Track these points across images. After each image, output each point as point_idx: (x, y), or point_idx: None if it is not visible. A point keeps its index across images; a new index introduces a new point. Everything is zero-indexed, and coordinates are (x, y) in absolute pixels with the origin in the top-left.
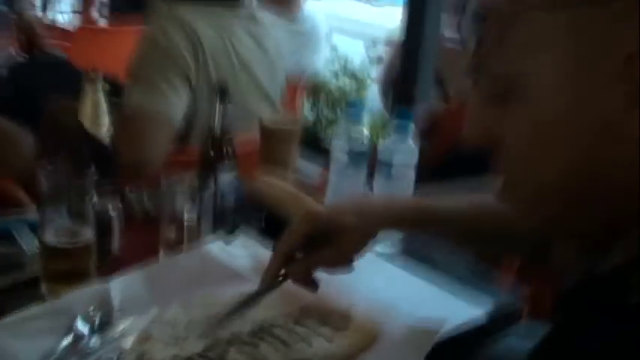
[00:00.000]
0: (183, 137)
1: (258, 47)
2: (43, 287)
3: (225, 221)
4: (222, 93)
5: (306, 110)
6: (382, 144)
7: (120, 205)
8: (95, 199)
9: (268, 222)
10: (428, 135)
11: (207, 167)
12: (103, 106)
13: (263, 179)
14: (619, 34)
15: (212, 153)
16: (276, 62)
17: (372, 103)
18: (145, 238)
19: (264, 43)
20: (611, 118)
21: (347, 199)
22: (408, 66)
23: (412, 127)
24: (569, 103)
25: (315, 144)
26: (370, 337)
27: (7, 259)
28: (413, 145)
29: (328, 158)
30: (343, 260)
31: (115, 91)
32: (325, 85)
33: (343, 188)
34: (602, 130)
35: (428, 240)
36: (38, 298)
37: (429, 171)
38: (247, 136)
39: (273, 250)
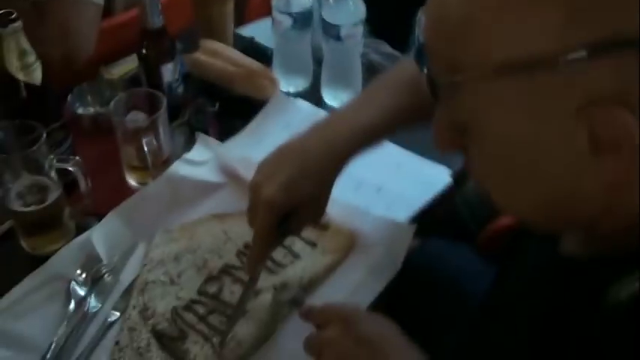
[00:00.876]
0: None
1: None
2: (23, 243)
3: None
4: None
5: None
6: (326, 3)
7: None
8: (53, 157)
9: (223, 104)
10: None
11: (151, 69)
12: (28, 49)
13: (204, 50)
14: (582, 81)
15: (150, 52)
16: None
17: None
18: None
19: None
20: (577, 160)
21: (281, 164)
22: None
23: None
24: (526, 158)
25: None
26: (349, 240)
27: None
28: (359, 1)
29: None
30: (318, 218)
31: None
32: None
33: (289, 53)
34: (568, 171)
35: None
36: (19, 251)
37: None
38: None
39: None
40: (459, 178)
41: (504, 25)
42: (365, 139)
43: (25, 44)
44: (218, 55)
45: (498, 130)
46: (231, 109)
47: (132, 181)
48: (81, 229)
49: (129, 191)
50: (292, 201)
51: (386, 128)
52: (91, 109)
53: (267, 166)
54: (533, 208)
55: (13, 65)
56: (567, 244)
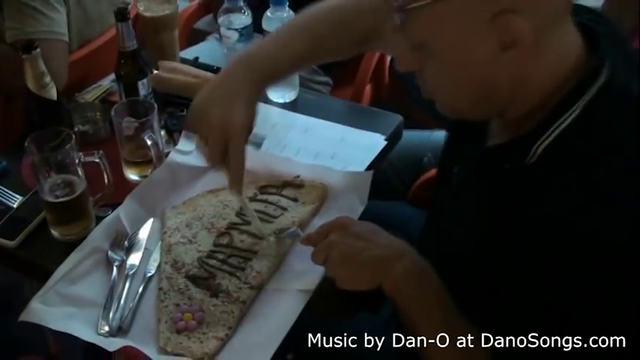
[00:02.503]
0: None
1: None
2: (54, 233)
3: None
4: (120, 13)
5: None
6: (265, 16)
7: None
8: (80, 155)
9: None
10: None
11: (129, 85)
12: (45, 71)
13: (163, 68)
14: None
15: (127, 70)
16: None
17: None
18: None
19: None
20: (491, 58)
21: (231, 96)
22: None
23: None
24: (460, 59)
25: None
26: (323, 191)
27: (6, 217)
28: (291, 12)
29: None
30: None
31: None
32: None
33: None
34: (486, 68)
35: None
36: (54, 242)
37: None
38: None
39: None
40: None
41: None
42: (272, 76)
43: (43, 67)
44: (177, 71)
45: (444, 42)
46: None
47: (132, 176)
48: (99, 218)
49: (130, 184)
50: (249, 128)
51: (294, 64)
52: (75, 129)
53: (218, 104)
54: (467, 101)
55: (33, 84)
56: (492, 138)
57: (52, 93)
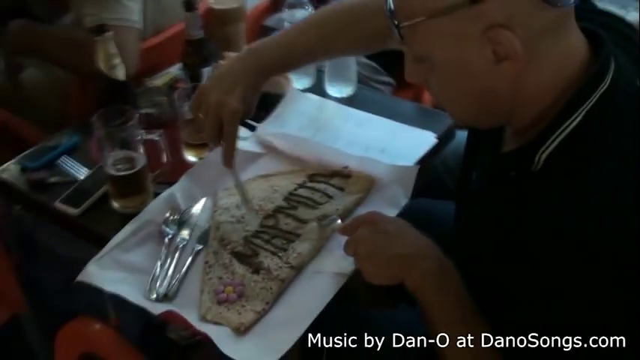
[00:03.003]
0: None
1: None
2: (114, 204)
3: None
4: (189, 4)
5: None
6: None
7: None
8: (142, 132)
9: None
10: None
11: (194, 72)
12: (115, 52)
13: (228, 59)
14: (480, 15)
15: (193, 58)
16: None
17: None
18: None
19: None
20: (487, 70)
21: (230, 79)
22: None
23: None
24: (458, 72)
25: None
26: (369, 182)
27: (72, 188)
28: None
29: None
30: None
31: None
32: None
33: None
34: (484, 79)
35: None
36: (113, 213)
37: None
38: None
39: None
40: (441, 140)
41: None
42: (272, 67)
43: (112, 49)
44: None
45: (442, 56)
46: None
47: (190, 157)
48: (156, 193)
49: (187, 165)
50: (242, 113)
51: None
52: (142, 111)
53: (223, 84)
54: (469, 111)
55: (104, 64)
56: (505, 145)
57: (120, 74)
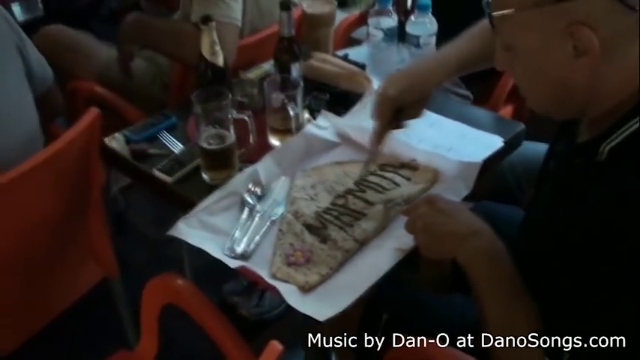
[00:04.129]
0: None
1: None
2: (205, 176)
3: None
4: (285, 4)
5: None
6: (409, 20)
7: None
8: (233, 111)
9: (332, 97)
10: None
11: (284, 66)
12: (217, 40)
13: (316, 59)
14: (564, 12)
15: (284, 54)
16: None
17: None
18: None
19: None
20: (566, 63)
21: (400, 76)
22: None
23: (430, 5)
24: (540, 61)
25: None
26: (434, 175)
27: (168, 159)
28: (432, 18)
29: None
30: (416, 117)
31: None
32: None
33: (380, 59)
34: (562, 71)
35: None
36: (202, 183)
37: None
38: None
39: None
40: (508, 145)
41: None
42: (451, 69)
43: (215, 37)
44: (327, 62)
45: (526, 46)
46: (337, 99)
47: (274, 141)
48: (240, 169)
49: (270, 148)
50: (403, 101)
51: (466, 63)
52: (235, 98)
53: (392, 79)
54: (546, 99)
55: (207, 50)
56: (579, 137)
57: (220, 60)
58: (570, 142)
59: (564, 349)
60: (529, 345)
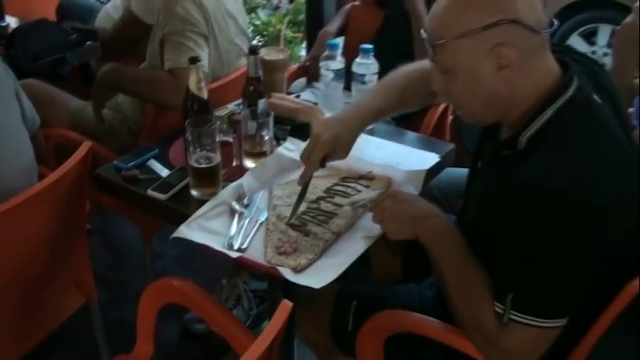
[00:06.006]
0: None
1: None
2: (194, 193)
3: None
4: (253, 49)
5: None
6: (354, 62)
7: (234, 134)
8: (219, 135)
9: (292, 128)
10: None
11: (251, 101)
12: (202, 77)
13: (275, 97)
14: (489, 37)
15: (251, 90)
16: (240, 3)
17: None
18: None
19: None
20: (492, 76)
21: (333, 123)
22: None
23: (372, 49)
24: (472, 77)
25: None
26: (388, 182)
27: (156, 182)
28: (374, 59)
29: None
30: (341, 158)
31: None
32: None
33: (330, 96)
34: (490, 83)
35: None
36: (191, 199)
37: None
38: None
39: (302, 159)
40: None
41: (457, 19)
42: (369, 119)
43: (201, 75)
44: (285, 100)
45: (461, 66)
46: (297, 130)
47: (249, 164)
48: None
49: (245, 169)
50: (335, 145)
51: (383, 112)
52: None
53: (326, 124)
54: (479, 108)
55: (194, 86)
56: (503, 135)
57: (204, 94)
58: (496, 141)
59: (508, 293)
60: (482, 297)
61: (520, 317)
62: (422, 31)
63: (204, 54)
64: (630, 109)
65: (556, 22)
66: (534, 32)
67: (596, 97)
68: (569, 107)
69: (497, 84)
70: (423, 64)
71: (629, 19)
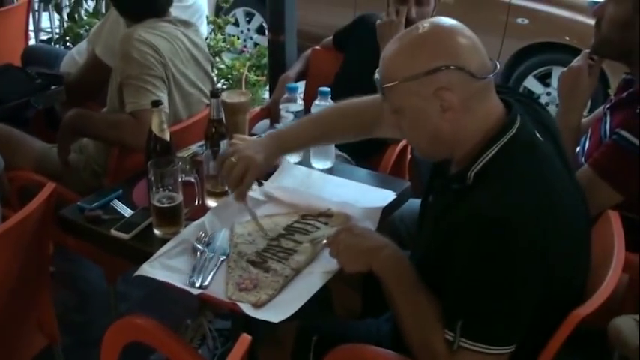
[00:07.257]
0: None
1: (190, 38)
2: (157, 232)
3: None
4: (214, 93)
5: None
6: (313, 104)
7: (196, 175)
8: (182, 175)
9: None
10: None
11: (214, 142)
12: (164, 120)
13: (237, 139)
14: (433, 80)
15: (214, 132)
16: (202, 44)
17: None
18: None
19: (190, 33)
20: (437, 116)
21: (262, 145)
22: None
23: (329, 92)
24: (419, 116)
25: None
26: (346, 218)
27: (120, 222)
28: (331, 101)
29: None
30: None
31: None
32: None
33: None
34: (435, 123)
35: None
36: (154, 238)
37: None
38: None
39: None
40: (399, 197)
41: (404, 63)
42: (291, 146)
43: (163, 117)
44: (246, 141)
45: (409, 107)
46: None
47: (211, 203)
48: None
49: (207, 208)
50: (267, 168)
51: (307, 141)
52: None
53: (257, 147)
54: (427, 145)
55: (156, 128)
56: (451, 171)
57: (167, 136)
58: (445, 176)
59: (457, 320)
60: (433, 324)
61: (469, 344)
62: (376, 72)
63: (163, 95)
64: (577, 149)
65: (498, 66)
66: (476, 78)
67: (538, 134)
68: (513, 144)
69: (442, 123)
70: (374, 97)
71: (575, 62)
